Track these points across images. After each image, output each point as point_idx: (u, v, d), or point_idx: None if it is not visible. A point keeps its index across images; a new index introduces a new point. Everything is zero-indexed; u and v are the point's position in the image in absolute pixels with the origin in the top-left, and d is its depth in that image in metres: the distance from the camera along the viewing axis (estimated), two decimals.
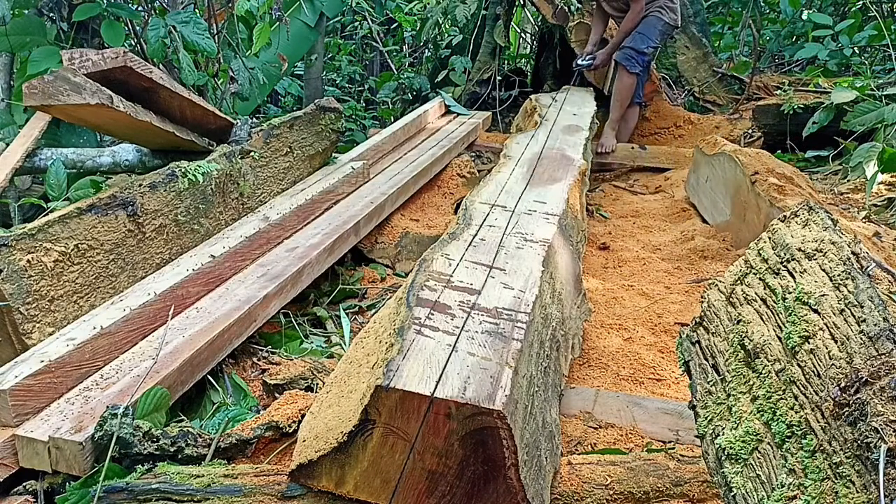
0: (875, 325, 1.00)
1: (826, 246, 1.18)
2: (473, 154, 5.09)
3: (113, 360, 2.03)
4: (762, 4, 7.84)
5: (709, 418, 1.23)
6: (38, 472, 1.71)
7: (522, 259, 1.99)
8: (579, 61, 5.59)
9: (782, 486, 1.00)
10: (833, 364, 1.01)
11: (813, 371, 1.04)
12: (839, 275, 1.11)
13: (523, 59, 8.52)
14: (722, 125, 5.51)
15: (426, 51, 8.45)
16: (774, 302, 1.19)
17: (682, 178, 4.57)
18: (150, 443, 1.67)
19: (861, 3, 6.76)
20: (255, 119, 6.16)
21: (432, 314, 1.56)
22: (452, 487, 1.35)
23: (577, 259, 2.57)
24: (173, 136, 2.95)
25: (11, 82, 3.85)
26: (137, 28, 4.45)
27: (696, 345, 1.35)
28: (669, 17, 5.08)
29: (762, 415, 1.10)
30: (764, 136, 5.26)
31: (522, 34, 8.98)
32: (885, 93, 4.41)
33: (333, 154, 3.82)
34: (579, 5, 5.83)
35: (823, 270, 1.14)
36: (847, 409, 0.94)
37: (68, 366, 1.90)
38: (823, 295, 1.10)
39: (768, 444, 1.07)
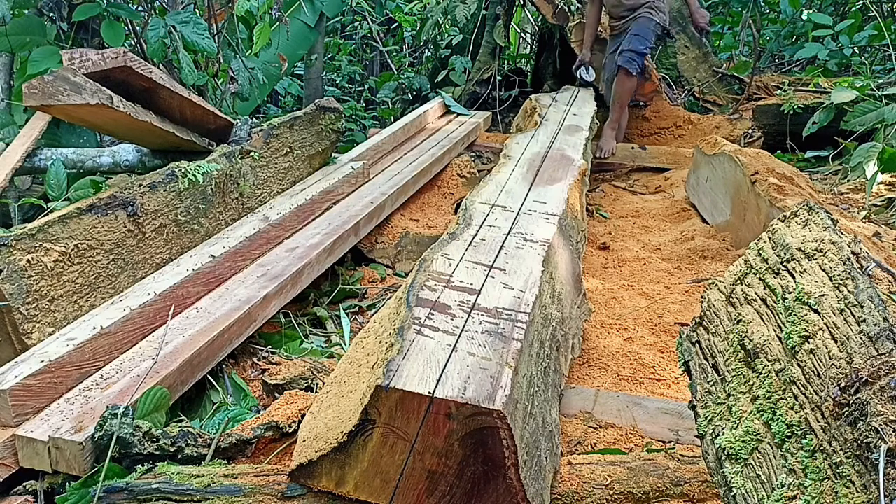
0: (875, 325, 1.00)
1: (826, 246, 1.18)
2: (473, 154, 5.09)
3: (113, 360, 2.03)
4: (762, 4, 7.84)
5: (709, 418, 1.23)
6: (38, 472, 1.71)
7: (522, 259, 1.99)
8: (584, 77, 5.61)
9: (782, 486, 1.00)
10: (833, 364, 1.01)
11: (813, 371, 1.04)
12: (839, 275, 1.11)
13: (523, 59, 8.52)
14: (722, 125, 5.52)
15: (426, 51, 8.45)
16: (774, 302, 1.19)
17: (682, 178, 4.57)
18: (150, 443, 1.67)
19: (861, 3, 6.76)
20: (255, 119, 6.16)
21: (432, 314, 1.56)
22: (452, 487, 1.35)
23: (577, 259, 2.57)
24: (173, 136, 2.95)
25: (11, 82, 3.85)
26: (137, 28, 4.44)
27: (696, 345, 1.35)
28: (659, 18, 5.11)
29: (762, 415, 1.09)
30: (764, 136, 5.26)
31: (522, 34, 8.98)
32: (885, 93, 4.41)
33: (333, 154, 3.82)
34: (579, 5, 5.84)
35: (823, 270, 1.14)
36: (847, 409, 0.94)
37: (68, 366, 1.90)
38: (823, 295, 1.10)
39: (768, 444, 1.07)
